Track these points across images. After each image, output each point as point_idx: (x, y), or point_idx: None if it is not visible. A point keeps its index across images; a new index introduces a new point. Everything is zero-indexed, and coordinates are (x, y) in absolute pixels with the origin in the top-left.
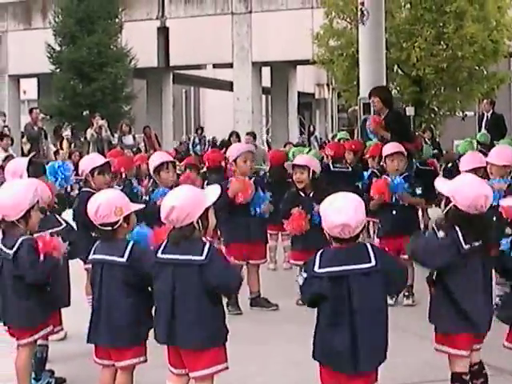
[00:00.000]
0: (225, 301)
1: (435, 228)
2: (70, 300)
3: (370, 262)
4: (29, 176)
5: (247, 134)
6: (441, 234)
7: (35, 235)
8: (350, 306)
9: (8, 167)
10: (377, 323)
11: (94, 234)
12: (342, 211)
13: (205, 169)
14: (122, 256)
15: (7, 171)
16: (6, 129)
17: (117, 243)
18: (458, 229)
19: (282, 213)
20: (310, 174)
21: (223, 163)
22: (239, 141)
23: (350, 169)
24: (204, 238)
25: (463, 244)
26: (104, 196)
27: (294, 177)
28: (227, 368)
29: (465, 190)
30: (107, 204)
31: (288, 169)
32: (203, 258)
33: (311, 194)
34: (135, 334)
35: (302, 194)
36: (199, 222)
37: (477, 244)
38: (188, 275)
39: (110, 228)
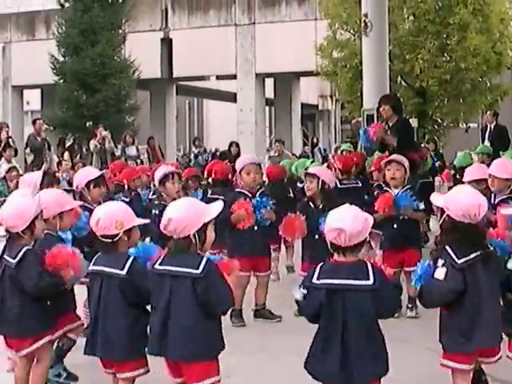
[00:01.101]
0: (229, 312)
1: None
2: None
3: (368, 279)
4: (41, 187)
5: (276, 141)
6: (440, 262)
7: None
8: (343, 322)
9: (23, 179)
10: (369, 340)
11: (86, 249)
12: (339, 218)
13: (210, 180)
14: (122, 269)
15: (22, 183)
16: (10, 140)
17: (117, 256)
18: (447, 247)
19: None
20: (320, 183)
21: (230, 176)
22: (239, 150)
23: (360, 183)
24: (201, 252)
25: (456, 259)
26: (106, 208)
27: (306, 185)
28: (219, 381)
29: (458, 200)
30: (108, 216)
31: (302, 178)
32: (199, 271)
33: (320, 206)
34: (133, 347)
35: (312, 205)
36: (196, 235)
37: (474, 255)
38: (183, 287)
39: (109, 240)
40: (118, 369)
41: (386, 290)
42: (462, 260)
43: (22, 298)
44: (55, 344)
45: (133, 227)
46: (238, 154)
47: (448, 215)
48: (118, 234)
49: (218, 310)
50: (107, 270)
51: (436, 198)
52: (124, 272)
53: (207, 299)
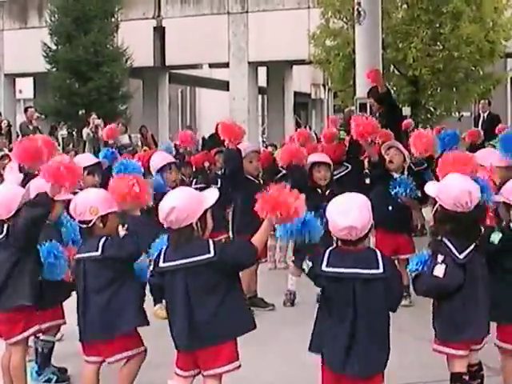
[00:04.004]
0: None
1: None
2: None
3: (377, 268)
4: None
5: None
6: (440, 258)
7: None
8: (354, 310)
9: (10, 165)
10: (378, 329)
11: None
12: (347, 214)
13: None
14: (97, 250)
15: (11, 169)
16: (11, 128)
17: (92, 240)
18: (446, 241)
19: None
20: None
21: (207, 164)
22: None
23: (350, 167)
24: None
25: (457, 255)
26: (83, 194)
27: (318, 174)
28: (239, 366)
29: (448, 188)
30: (84, 202)
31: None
32: (212, 254)
33: (326, 193)
34: (120, 325)
35: (319, 191)
36: (198, 223)
37: (471, 247)
38: (199, 275)
39: (85, 226)
40: (102, 352)
41: (394, 279)
42: (464, 254)
43: (17, 277)
44: (36, 350)
45: (110, 213)
46: None
47: (440, 205)
48: (92, 220)
49: (248, 264)
50: (86, 255)
51: (429, 187)
52: (98, 253)
53: (234, 262)
